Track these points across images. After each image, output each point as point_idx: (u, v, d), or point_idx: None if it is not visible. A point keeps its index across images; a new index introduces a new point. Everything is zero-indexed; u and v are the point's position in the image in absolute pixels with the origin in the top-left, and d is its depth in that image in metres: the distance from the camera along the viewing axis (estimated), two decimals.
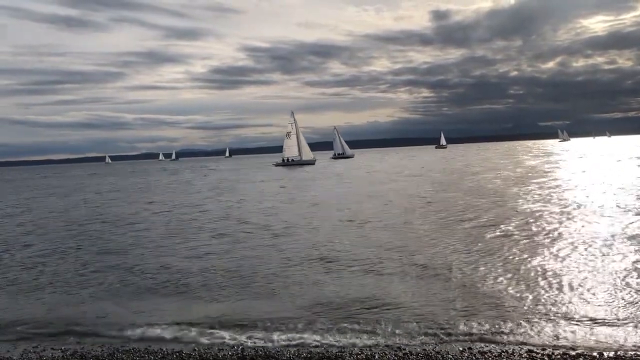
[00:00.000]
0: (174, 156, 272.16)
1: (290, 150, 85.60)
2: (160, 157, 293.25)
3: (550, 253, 13.20)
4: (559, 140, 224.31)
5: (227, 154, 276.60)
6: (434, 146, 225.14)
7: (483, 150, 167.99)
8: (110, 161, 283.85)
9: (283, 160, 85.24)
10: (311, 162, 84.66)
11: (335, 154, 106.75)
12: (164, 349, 8.14)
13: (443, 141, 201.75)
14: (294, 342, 8.30)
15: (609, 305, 9.06)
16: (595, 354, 7.17)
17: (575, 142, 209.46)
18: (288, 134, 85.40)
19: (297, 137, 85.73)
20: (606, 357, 7.07)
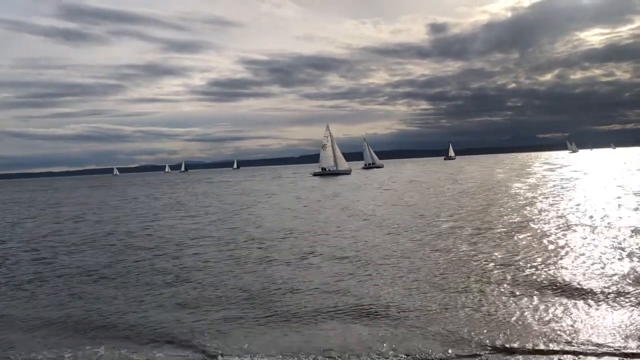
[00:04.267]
0: (183, 168, 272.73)
1: (327, 161, 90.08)
2: (167, 169, 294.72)
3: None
4: (568, 151, 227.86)
5: (235, 166, 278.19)
6: (442, 157, 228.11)
7: (507, 159, 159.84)
8: (118, 173, 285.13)
9: (322, 169, 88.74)
10: (347, 172, 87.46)
11: (365, 164, 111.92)
12: None
13: (452, 153, 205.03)
14: (296, 351, 8.29)
15: (617, 314, 9.03)
16: None
17: (582, 153, 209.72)
18: (324, 146, 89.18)
19: (333, 149, 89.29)
20: None
